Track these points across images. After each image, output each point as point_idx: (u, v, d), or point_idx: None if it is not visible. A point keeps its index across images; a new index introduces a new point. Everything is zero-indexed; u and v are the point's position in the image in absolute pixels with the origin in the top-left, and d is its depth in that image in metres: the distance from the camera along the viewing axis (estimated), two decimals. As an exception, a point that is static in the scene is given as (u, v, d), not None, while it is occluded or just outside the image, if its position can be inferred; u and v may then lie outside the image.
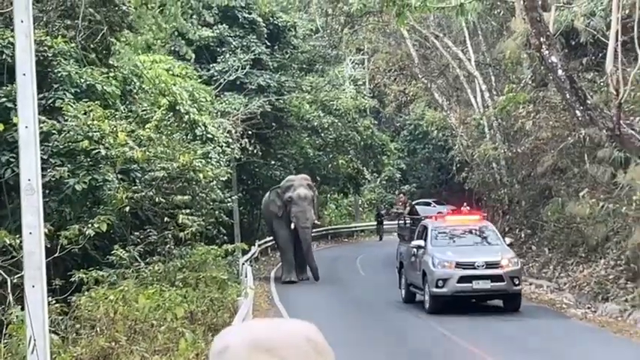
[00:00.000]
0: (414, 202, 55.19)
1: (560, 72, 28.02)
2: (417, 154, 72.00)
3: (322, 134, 48.17)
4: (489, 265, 23.54)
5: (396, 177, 71.29)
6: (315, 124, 46.36)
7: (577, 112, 28.28)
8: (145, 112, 27.53)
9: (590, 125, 27.89)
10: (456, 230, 25.83)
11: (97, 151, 22.77)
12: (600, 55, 30.08)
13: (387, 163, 62.81)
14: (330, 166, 51.24)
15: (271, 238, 40.03)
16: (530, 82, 34.43)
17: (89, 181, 21.88)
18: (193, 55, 28.10)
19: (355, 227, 60.17)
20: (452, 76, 42.88)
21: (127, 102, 27.32)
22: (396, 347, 18.92)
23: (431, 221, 26.81)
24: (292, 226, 33.29)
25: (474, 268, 23.51)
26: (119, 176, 23.94)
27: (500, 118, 36.03)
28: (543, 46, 28.10)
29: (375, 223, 59.14)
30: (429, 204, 56.97)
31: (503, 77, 37.51)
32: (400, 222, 31.67)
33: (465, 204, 49.00)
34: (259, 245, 41.17)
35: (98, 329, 13.63)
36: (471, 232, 25.97)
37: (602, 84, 29.75)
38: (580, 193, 27.29)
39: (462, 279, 23.33)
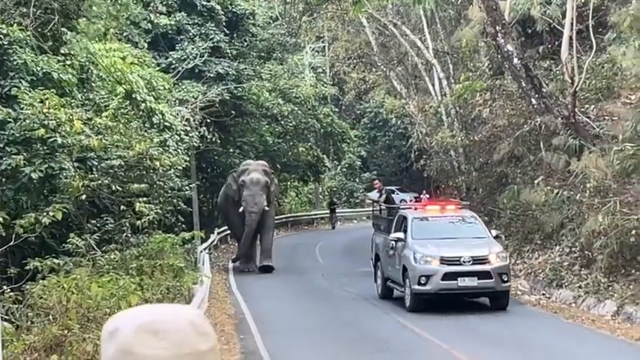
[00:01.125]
0: (368, 193, 54.78)
1: (515, 60, 28.31)
2: (377, 142, 72.24)
3: (282, 122, 48.22)
4: (476, 260, 21.80)
5: (357, 164, 71.53)
6: (275, 111, 46.34)
7: (532, 100, 28.62)
8: (102, 101, 27.47)
9: (545, 113, 28.18)
10: (438, 221, 23.94)
11: (53, 139, 22.69)
12: (556, 43, 30.34)
13: (347, 150, 62.99)
14: (290, 153, 51.32)
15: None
16: (487, 71, 34.65)
17: (45, 170, 21.82)
18: (145, 45, 28.02)
19: (315, 215, 60.24)
20: (411, 65, 43.06)
21: (85, 90, 27.22)
22: (347, 333, 19.04)
23: (410, 211, 25.00)
24: (241, 209, 32.61)
25: (460, 264, 21.72)
26: (76, 164, 23.89)
27: (458, 106, 36.28)
28: (499, 35, 28.37)
29: (328, 211, 58.80)
30: (392, 191, 57.11)
31: (462, 65, 37.73)
32: (375, 211, 29.81)
33: (424, 191, 49.42)
34: (219, 233, 41.17)
35: (51, 317, 13.65)
36: (454, 223, 24.11)
37: (558, 72, 30.04)
38: (535, 181, 27.53)
39: (447, 276, 21.54)
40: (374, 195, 33.63)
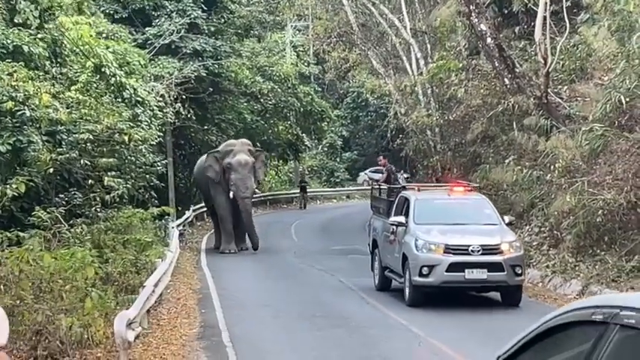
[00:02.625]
0: (367, 172, 53.42)
1: (489, 40, 28.33)
2: (359, 122, 72.24)
3: (261, 100, 48.17)
4: (486, 249, 19.04)
5: (338, 144, 71.54)
6: (254, 89, 46.25)
7: (506, 80, 28.67)
8: (74, 75, 27.39)
9: (518, 93, 28.22)
10: (444, 204, 21.09)
11: (21, 112, 22.67)
12: (532, 24, 30.28)
13: (328, 129, 62.95)
14: (270, 132, 51.29)
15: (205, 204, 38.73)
16: (463, 51, 34.62)
17: (14, 143, 21.81)
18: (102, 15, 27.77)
19: (294, 194, 60.20)
20: (391, 44, 42.97)
21: (58, 64, 27.13)
22: (309, 309, 19.09)
23: (413, 192, 21.56)
24: (231, 194, 31.30)
25: (468, 254, 18.98)
26: (44, 138, 23.85)
27: (435, 85, 36.23)
28: (473, 14, 28.39)
29: (298, 190, 58.06)
30: (380, 171, 56.81)
31: (439, 45, 37.63)
32: (374, 191, 26.76)
33: (401, 171, 49.32)
34: (194, 210, 41.16)
35: (2, 287, 13.64)
36: (462, 207, 21.09)
37: (532, 53, 30.02)
38: (506, 160, 27.58)
39: (453, 266, 18.84)
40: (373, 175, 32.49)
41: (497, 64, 28.67)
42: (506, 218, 20.97)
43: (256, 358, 14.33)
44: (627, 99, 21.93)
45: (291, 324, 17.21)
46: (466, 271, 18.79)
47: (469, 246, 18.99)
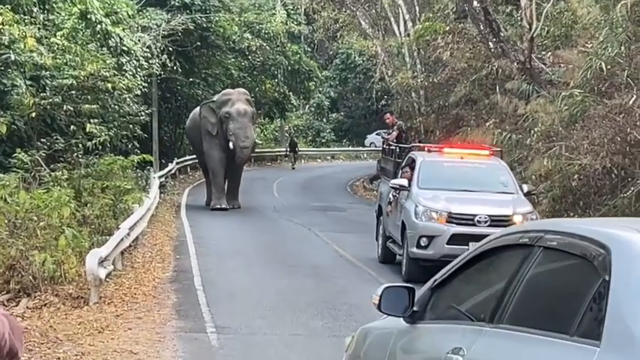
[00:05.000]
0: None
1: (475, 3, 28.47)
2: (348, 84, 72.22)
3: (249, 57, 48.13)
4: (495, 220, 16.28)
5: (325, 105, 71.60)
6: (243, 46, 46.21)
7: (490, 43, 28.84)
8: (62, 21, 27.48)
9: (502, 57, 28.38)
10: (455, 168, 18.61)
11: (6, 55, 22.79)
12: (519, -11, 30.41)
13: (315, 89, 62.95)
14: (257, 89, 51.25)
15: (194, 157, 37.75)
16: (451, 14, 34.69)
17: (-3, 86, 22.00)
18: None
19: (279, 152, 60.24)
20: (380, 5, 42.98)
21: (46, 10, 27.18)
22: (281, 258, 19.35)
23: (421, 153, 19.34)
24: (230, 145, 29.23)
25: (473, 224, 16.41)
26: (28, 82, 24.00)
27: (421, 48, 36.35)
28: (460, -24, 28.46)
29: (288, 149, 57.50)
30: (379, 134, 56.49)
31: (428, 7, 37.72)
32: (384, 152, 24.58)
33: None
34: (178, 163, 41.29)
35: (-24, 223, 13.87)
36: (475, 172, 18.57)
37: (518, 18, 30.17)
38: (487, 123, 27.78)
39: (455, 238, 16.21)
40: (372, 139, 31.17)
41: (482, 28, 28.82)
42: (525, 187, 18.57)
43: (224, 300, 14.58)
44: (608, 66, 22.10)
45: (262, 271, 17.46)
46: (470, 244, 14.50)
47: (476, 216, 16.45)
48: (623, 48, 22.09)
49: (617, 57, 22.26)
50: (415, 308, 5.49)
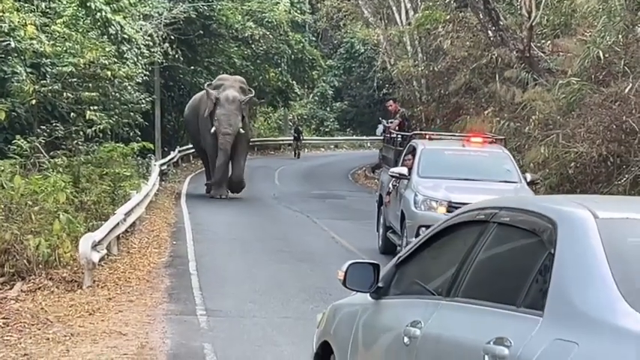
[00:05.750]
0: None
1: (474, -9, 28.50)
2: (352, 73, 72.17)
3: (252, 45, 48.17)
4: None
5: (329, 94, 71.61)
6: (246, 34, 46.21)
7: (489, 32, 28.91)
8: (62, 9, 27.61)
9: (501, 46, 28.47)
10: (456, 156, 18.24)
11: (6, 42, 22.93)
12: (519, -23, 30.47)
13: (319, 78, 62.96)
14: (260, 78, 51.29)
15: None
16: (452, 2, 34.74)
17: (-2, 73, 22.14)
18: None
19: (282, 141, 60.32)
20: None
21: (48, -2, 27.33)
22: (277, 245, 19.47)
23: (422, 141, 18.90)
24: (212, 130, 28.83)
25: None
26: (28, 70, 24.13)
27: (422, 36, 36.42)
28: (460, -35, 28.52)
29: (292, 138, 56.94)
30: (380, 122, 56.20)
31: (429, -4, 37.77)
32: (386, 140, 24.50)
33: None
34: (180, 151, 41.44)
35: (-28, 206, 14.02)
36: (478, 161, 18.18)
37: (517, 7, 30.24)
38: (485, 111, 27.88)
39: None
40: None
41: (481, 16, 28.90)
42: (529, 176, 18.35)
43: (217, 284, 14.73)
44: (606, 55, 22.18)
45: (257, 257, 17.59)
46: None
47: None
48: (620, 36, 22.18)
49: (614, 45, 22.35)
50: (380, 284, 5.64)
